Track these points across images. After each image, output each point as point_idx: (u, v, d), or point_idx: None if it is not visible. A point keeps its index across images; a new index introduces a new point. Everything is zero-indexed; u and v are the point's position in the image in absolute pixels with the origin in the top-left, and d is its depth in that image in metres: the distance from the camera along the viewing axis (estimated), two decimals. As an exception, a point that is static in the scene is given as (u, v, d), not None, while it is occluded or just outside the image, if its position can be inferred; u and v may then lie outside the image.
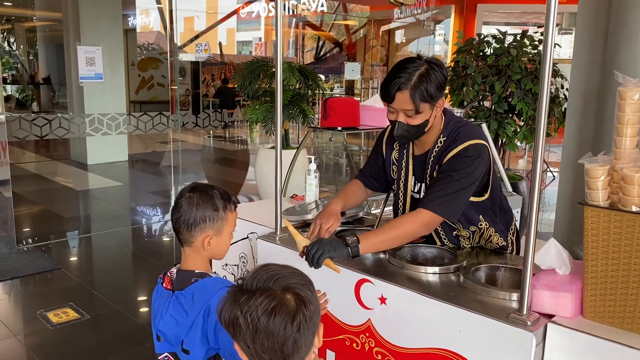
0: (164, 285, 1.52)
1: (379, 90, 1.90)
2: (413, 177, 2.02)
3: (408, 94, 1.79)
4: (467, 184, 1.82)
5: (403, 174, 2.04)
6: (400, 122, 1.86)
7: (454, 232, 1.99)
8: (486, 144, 1.90)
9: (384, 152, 2.10)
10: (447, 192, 1.81)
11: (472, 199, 1.89)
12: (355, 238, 1.78)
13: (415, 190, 2.02)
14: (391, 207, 2.21)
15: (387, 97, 1.84)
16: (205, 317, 1.43)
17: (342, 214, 2.33)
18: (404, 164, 2.04)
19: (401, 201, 2.07)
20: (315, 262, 1.71)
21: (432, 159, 1.93)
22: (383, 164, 2.11)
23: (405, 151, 2.03)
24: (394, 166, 2.07)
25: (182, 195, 1.51)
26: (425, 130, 1.88)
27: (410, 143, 2.01)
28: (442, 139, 1.91)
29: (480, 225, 1.97)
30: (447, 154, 1.87)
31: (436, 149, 1.92)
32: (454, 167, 1.83)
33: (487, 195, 1.93)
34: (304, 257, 1.75)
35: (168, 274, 1.53)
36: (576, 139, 3.63)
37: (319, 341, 1.07)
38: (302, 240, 1.81)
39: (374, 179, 2.16)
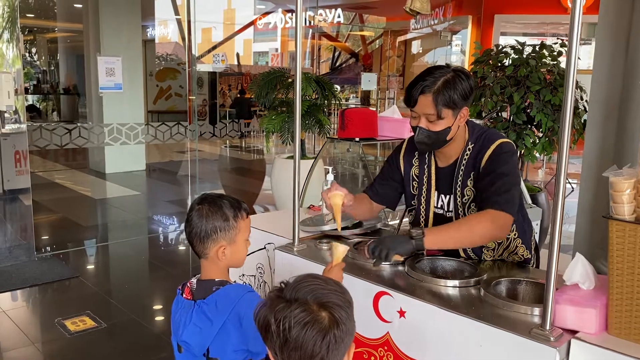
0: (184, 296, 1.53)
1: (404, 94, 1.89)
2: (436, 192, 1.98)
3: (431, 97, 1.78)
4: (516, 178, 1.82)
5: (425, 189, 2.00)
6: (421, 128, 1.84)
7: None
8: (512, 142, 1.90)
9: (402, 168, 2.06)
10: (507, 189, 1.78)
11: None
12: (421, 231, 1.75)
13: (439, 206, 1.98)
14: (407, 220, 2.19)
15: (410, 99, 1.83)
16: (237, 325, 1.44)
17: (359, 224, 2.32)
18: (425, 179, 2.00)
19: (423, 217, 2.03)
20: (384, 259, 1.74)
21: (463, 167, 1.89)
22: (401, 180, 2.06)
23: (426, 166, 1.99)
24: (414, 182, 2.03)
25: (192, 209, 1.51)
26: (447, 139, 1.85)
27: (432, 157, 1.98)
28: (470, 146, 1.89)
29: (508, 235, 1.93)
30: (483, 156, 1.85)
31: (466, 156, 1.89)
32: (500, 164, 1.82)
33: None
34: (370, 256, 1.78)
35: (188, 284, 1.54)
36: (597, 150, 3.57)
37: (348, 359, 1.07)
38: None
39: (383, 193, 2.12)
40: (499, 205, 1.76)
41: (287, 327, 0.99)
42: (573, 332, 1.46)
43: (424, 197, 2.01)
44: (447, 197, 1.95)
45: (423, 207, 2.02)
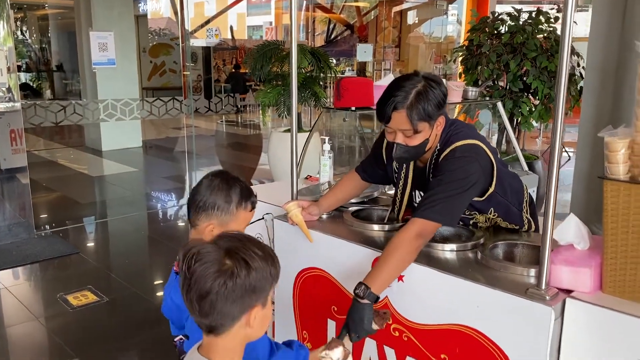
0: (175, 269, 1.54)
1: (377, 108, 1.81)
2: (415, 189, 1.99)
3: (405, 113, 1.72)
4: (459, 186, 1.72)
5: (401, 184, 2.01)
6: (399, 144, 1.79)
7: (471, 222, 1.98)
8: (479, 143, 1.80)
9: (385, 159, 2.05)
10: (438, 197, 1.71)
11: (477, 199, 1.84)
12: (363, 287, 1.61)
13: (416, 202, 1.99)
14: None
15: (383, 117, 1.76)
16: None
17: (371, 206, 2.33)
18: (402, 175, 2.00)
19: (397, 207, 2.07)
20: (360, 337, 1.61)
21: (432, 167, 1.88)
22: (385, 168, 2.07)
23: (404, 165, 1.99)
24: (394, 174, 2.04)
25: (206, 177, 1.51)
26: (426, 149, 1.82)
27: None
28: (437, 148, 1.86)
29: (488, 216, 1.94)
30: (440, 158, 1.82)
31: (435, 156, 1.87)
32: (443, 169, 1.77)
33: (491, 190, 1.85)
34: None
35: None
36: (593, 117, 3.57)
37: (247, 323, 1.07)
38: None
39: (373, 174, 2.14)
40: (420, 213, 1.70)
41: (191, 262, 1.03)
42: (568, 292, 1.48)
43: (399, 191, 2.02)
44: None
45: (398, 199, 2.04)
